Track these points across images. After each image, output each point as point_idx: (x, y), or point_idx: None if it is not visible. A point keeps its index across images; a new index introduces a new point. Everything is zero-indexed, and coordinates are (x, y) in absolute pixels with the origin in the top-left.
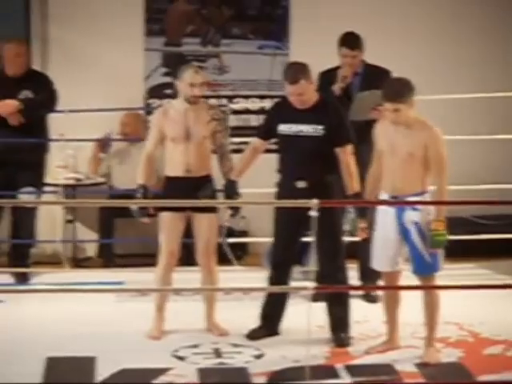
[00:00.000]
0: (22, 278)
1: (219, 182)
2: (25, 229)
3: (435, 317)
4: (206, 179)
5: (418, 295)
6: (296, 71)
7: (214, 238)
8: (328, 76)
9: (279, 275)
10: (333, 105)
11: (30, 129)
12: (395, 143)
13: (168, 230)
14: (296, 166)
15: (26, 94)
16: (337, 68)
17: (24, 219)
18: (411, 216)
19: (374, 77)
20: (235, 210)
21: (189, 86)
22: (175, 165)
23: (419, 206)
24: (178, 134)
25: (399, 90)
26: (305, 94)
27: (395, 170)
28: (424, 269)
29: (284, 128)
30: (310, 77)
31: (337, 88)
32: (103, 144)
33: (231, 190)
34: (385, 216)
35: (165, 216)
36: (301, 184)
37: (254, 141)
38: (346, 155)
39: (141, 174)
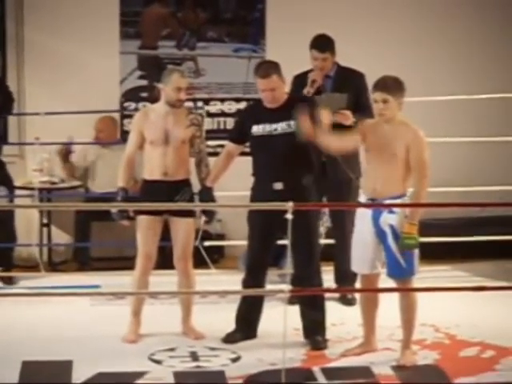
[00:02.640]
0: (8, 282)
1: (197, 187)
2: (5, 231)
3: (412, 320)
4: (184, 183)
5: (395, 298)
6: (268, 67)
7: (190, 242)
8: (302, 79)
9: (254, 278)
10: (303, 98)
11: None
12: (381, 144)
13: (145, 233)
14: (272, 167)
15: None
16: (310, 71)
17: (3, 221)
18: (388, 219)
19: (346, 79)
20: (210, 217)
21: (175, 90)
22: (153, 168)
23: (396, 209)
24: (157, 137)
25: (390, 83)
26: (276, 90)
27: (377, 171)
28: (399, 272)
29: (257, 129)
30: (282, 75)
31: (306, 93)
32: (64, 153)
33: (206, 197)
34: (362, 219)
35: (142, 219)
36: (278, 186)
37: (228, 145)
38: None
39: (121, 177)
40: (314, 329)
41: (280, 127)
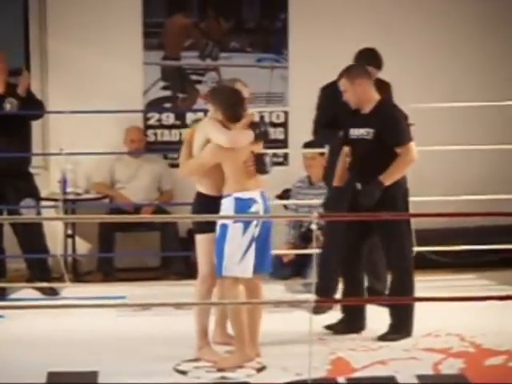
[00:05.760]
0: (50, 293)
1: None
2: (36, 243)
3: (236, 323)
4: None
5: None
6: (343, 70)
7: None
8: (330, 90)
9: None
10: (390, 107)
11: (18, 140)
12: None
13: (212, 250)
14: (355, 169)
15: (11, 101)
16: (337, 81)
17: (34, 233)
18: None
19: (380, 91)
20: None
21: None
22: (218, 184)
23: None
24: None
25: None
26: (346, 93)
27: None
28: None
29: (352, 132)
30: (357, 80)
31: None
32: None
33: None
34: None
35: (211, 236)
36: (358, 186)
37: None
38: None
39: None
40: (390, 324)
41: (362, 132)
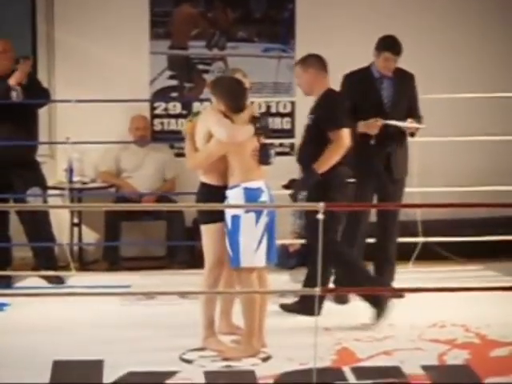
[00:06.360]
0: (56, 281)
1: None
2: (43, 231)
3: (250, 314)
4: None
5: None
6: (300, 58)
7: None
8: (354, 78)
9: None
10: (334, 98)
11: (24, 128)
12: None
13: (220, 239)
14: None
15: (16, 89)
16: (362, 70)
17: (40, 222)
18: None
19: (404, 81)
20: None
21: None
22: (222, 174)
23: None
24: None
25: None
26: (297, 80)
27: None
28: (231, 261)
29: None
30: (309, 67)
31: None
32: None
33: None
34: None
35: (219, 226)
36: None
37: None
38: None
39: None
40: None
41: (308, 120)
